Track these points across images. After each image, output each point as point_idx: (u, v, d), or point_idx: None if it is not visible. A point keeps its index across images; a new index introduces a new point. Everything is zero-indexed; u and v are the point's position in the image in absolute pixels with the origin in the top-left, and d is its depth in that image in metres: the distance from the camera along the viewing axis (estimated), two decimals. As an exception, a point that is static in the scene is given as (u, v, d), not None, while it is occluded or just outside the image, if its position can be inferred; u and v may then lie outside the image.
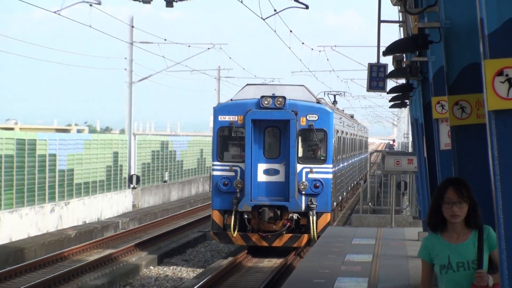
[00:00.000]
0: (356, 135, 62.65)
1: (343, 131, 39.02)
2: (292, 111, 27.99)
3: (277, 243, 28.26)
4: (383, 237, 38.25)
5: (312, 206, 27.58)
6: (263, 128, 28.39)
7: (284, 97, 28.24)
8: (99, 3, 42.10)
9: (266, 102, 27.85)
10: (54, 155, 47.23)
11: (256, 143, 28.15)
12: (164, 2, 37.69)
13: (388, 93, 37.69)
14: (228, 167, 28.52)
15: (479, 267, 9.38)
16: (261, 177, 28.57)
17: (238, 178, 28.08)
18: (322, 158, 28.94)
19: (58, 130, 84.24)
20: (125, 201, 60.02)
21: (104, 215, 54.73)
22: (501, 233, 9.37)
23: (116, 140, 62.35)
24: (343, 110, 59.62)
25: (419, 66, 25.17)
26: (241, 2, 39.69)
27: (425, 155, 30.53)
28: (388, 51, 23.65)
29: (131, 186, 60.14)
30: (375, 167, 63.90)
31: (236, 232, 28.00)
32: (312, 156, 28.73)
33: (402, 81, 31.60)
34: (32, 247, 39.10)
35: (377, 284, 27.47)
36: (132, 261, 38.01)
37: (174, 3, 38.69)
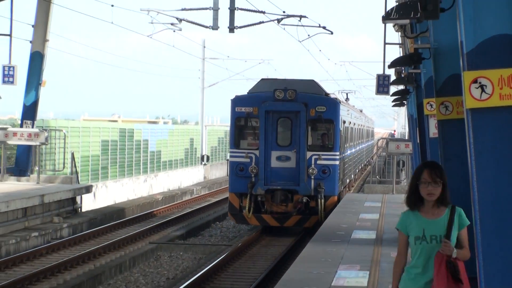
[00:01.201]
0: (364, 126, 59.23)
1: (350, 122, 37.13)
2: (302, 103, 26.19)
3: (288, 223, 26.40)
4: (386, 201, 38.51)
5: (320, 190, 25.77)
6: (276, 118, 26.33)
7: (295, 90, 26.26)
8: (180, 30, 41.32)
9: (279, 95, 25.93)
10: (147, 140, 51.57)
11: (269, 132, 26.29)
12: (228, 29, 36.84)
13: (391, 95, 39.29)
14: (244, 154, 26.27)
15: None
16: (274, 163, 26.36)
17: (253, 164, 25.88)
18: (330, 146, 27.00)
19: (149, 122, 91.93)
20: (198, 174, 64.37)
21: (183, 184, 58.23)
22: (476, 208, 9.79)
23: (192, 129, 68.10)
24: (353, 106, 55.88)
25: (414, 76, 27.24)
26: (284, 28, 39.43)
27: (418, 141, 31.06)
28: (392, 65, 25.72)
29: (203, 163, 65.56)
30: (381, 150, 69.12)
31: (251, 213, 26.11)
32: (321, 144, 26.63)
33: (402, 87, 33.93)
34: (130, 207, 41.38)
35: (382, 235, 27.44)
36: (204, 217, 39.27)
37: (235, 30, 37.52)
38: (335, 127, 25.75)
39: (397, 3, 22.08)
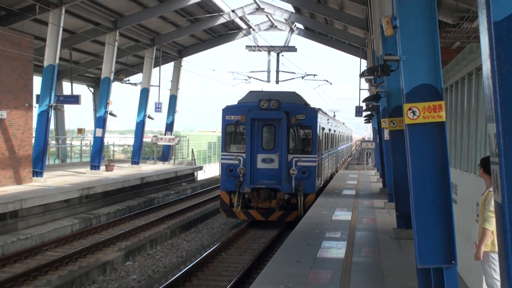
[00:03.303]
0: (344, 133, 57.00)
1: (330, 129, 33.41)
2: (284, 111, 22.62)
3: (272, 217, 22.78)
4: (361, 174, 43.09)
5: (300, 188, 22.43)
6: (261, 125, 22.79)
7: (278, 100, 22.77)
8: (250, 82, 44.10)
9: (263, 104, 22.33)
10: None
11: (255, 137, 22.59)
12: (275, 82, 40.63)
13: (363, 117, 41.21)
14: (233, 157, 22.73)
15: None
16: (260, 165, 22.89)
17: (241, 165, 22.62)
18: (308, 150, 23.14)
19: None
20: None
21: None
22: (411, 188, 9.36)
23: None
24: (334, 117, 53.08)
25: (376, 107, 26.53)
26: (305, 81, 42.51)
27: (378, 142, 35.02)
28: (364, 100, 27.02)
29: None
30: (357, 147, 78.34)
31: (239, 209, 22.71)
32: (301, 148, 22.95)
33: (369, 112, 32.62)
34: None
35: (359, 192, 28.97)
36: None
37: (279, 82, 41.08)
38: (313, 133, 22.91)
39: (366, 67, 27.09)
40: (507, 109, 3.97)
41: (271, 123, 22.64)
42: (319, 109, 24.76)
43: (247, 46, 38.30)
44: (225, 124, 22.94)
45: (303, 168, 22.62)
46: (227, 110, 23.20)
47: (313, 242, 15.07)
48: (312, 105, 26.81)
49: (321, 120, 25.57)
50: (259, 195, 22.46)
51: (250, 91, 24.05)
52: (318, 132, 23.23)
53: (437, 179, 9.16)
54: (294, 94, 24.88)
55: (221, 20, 37.50)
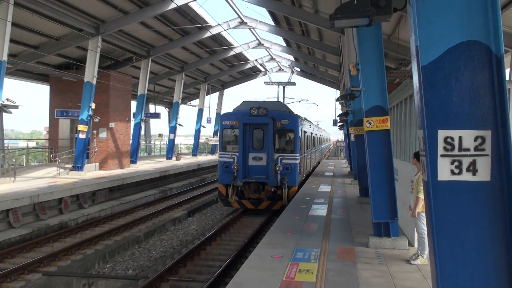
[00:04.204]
0: (323, 136, 52.04)
1: (312, 132, 28.54)
2: (271, 117, 18.97)
3: (261, 206, 18.88)
4: (336, 162, 44.23)
5: (284, 182, 18.67)
6: (252, 129, 19.25)
7: (266, 108, 19.21)
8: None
9: (253, 111, 18.68)
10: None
11: (247, 139, 18.97)
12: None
13: (338, 126, 40.57)
14: (229, 155, 18.89)
15: None
16: (251, 162, 19.23)
17: (235, 163, 18.83)
18: (291, 149, 19.22)
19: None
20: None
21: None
22: (369, 176, 12.58)
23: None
24: (317, 124, 48.47)
25: (346, 119, 24.11)
26: (301, 104, 39.37)
27: (347, 141, 33.62)
28: (339, 116, 26.29)
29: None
30: (334, 145, 75.34)
31: (233, 199, 18.89)
32: (285, 148, 19.00)
33: (341, 123, 31.46)
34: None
35: (335, 174, 29.39)
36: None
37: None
38: (295, 135, 19.32)
39: (340, 95, 25.79)
40: (430, 122, 4.10)
41: (260, 127, 19.31)
42: (300, 116, 21.91)
43: (264, 82, 41.17)
44: (222, 128, 19.78)
45: (287, 165, 18.81)
46: (224, 117, 20.01)
47: (306, 205, 16.63)
48: (303, 117, 24.81)
49: (303, 125, 22.38)
50: (250, 188, 19.13)
51: (244, 101, 20.80)
52: (299, 134, 20.16)
53: (385, 165, 9.83)
54: (280, 103, 21.70)
55: (249, 66, 37.72)
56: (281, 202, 19.58)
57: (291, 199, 19.30)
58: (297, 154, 19.98)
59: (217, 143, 41.30)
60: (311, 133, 28.75)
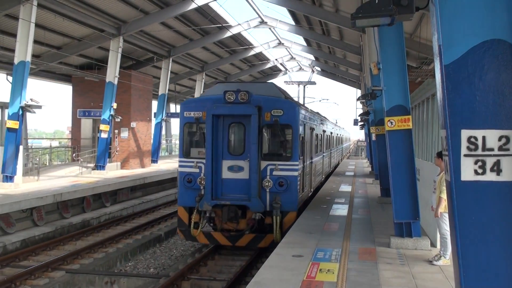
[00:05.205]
0: (342, 135, 43.81)
1: (325, 130, 21.88)
2: (256, 106, 12.25)
3: (240, 243, 12.46)
4: (357, 162, 43.81)
5: (276, 205, 12.15)
6: (227, 123, 12.66)
7: (247, 92, 12.41)
8: None
9: (229, 97, 12.18)
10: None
11: (220, 139, 12.59)
12: None
13: (359, 126, 40.19)
14: (192, 164, 12.50)
15: None
16: (226, 174, 12.59)
17: (202, 175, 12.52)
18: (287, 155, 12.58)
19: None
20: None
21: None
22: (390, 176, 10.94)
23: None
24: (336, 122, 43.46)
25: (367, 119, 24.30)
26: (322, 103, 40.48)
27: (368, 141, 34.21)
28: (360, 115, 26.71)
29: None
30: (355, 144, 72.30)
31: (199, 230, 12.50)
32: (277, 153, 12.54)
33: (362, 122, 32.18)
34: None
35: (356, 173, 29.43)
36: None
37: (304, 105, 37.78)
38: (293, 133, 13.18)
39: (361, 94, 24.67)
40: (453, 121, 4.11)
41: (240, 120, 13.21)
42: (301, 105, 16.82)
43: (285, 81, 41.10)
44: (184, 122, 13.61)
45: (281, 178, 12.73)
46: (186, 105, 13.83)
47: (327, 205, 16.52)
48: (312, 110, 19.43)
49: (306, 118, 15.76)
50: (224, 214, 12.88)
51: (218, 82, 15.22)
52: (301, 131, 13.99)
53: (406, 165, 9.72)
54: (270, 86, 14.42)
55: (269, 65, 37.91)
56: (271, 236, 13.01)
57: (286, 232, 12.31)
58: (296, 163, 13.40)
59: None
60: (323, 131, 22.04)
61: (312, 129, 17.23)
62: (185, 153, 13.78)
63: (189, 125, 13.78)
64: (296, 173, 13.50)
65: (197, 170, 13.39)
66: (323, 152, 22.19)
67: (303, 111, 15.07)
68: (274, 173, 13.15)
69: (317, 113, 21.55)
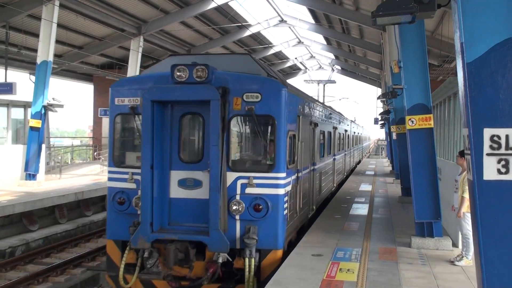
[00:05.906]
0: (362, 133, 40.55)
1: (336, 128, 17.00)
2: (219, 87, 7.66)
3: None
4: (377, 161, 43.50)
5: (249, 241, 7.70)
6: (177, 115, 8.23)
7: (207, 66, 7.75)
8: None
9: (180, 75, 7.47)
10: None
11: (167, 139, 8.14)
12: None
13: (379, 125, 39.49)
14: (127, 176, 8.25)
15: None
16: (175, 192, 8.18)
17: (138, 192, 8.30)
18: (268, 162, 8.04)
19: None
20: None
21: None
22: (411, 175, 9.34)
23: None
24: (354, 119, 38.85)
25: (388, 118, 24.32)
26: (341, 102, 38.88)
27: (388, 140, 34.40)
28: (380, 114, 27.22)
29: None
30: (375, 143, 71.71)
31: (135, 276, 7.91)
32: (254, 159, 8.30)
33: (382, 122, 33.26)
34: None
35: (376, 173, 29.44)
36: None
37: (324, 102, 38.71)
38: (278, 129, 8.13)
39: (381, 93, 25.08)
40: (475, 120, 4.06)
41: (195, 110, 8.93)
42: (294, 87, 10.47)
43: (304, 80, 40.99)
44: (114, 114, 9.24)
45: (258, 199, 8.32)
46: (117, 89, 9.18)
47: (347, 204, 16.52)
48: (320, 101, 15.63)
49: (304, 108, 10.80)
50: (169, 254, 8.30)
51: (170, 55, 10.96)
52: (291, 127, 9.11)
53: (427, 164, 9.64)
54: (246, 58, 9.72)
55: (289, 64, 37.90)
56: (242, 287, 8.78)
57: (267, 279, 8.09)
58: (282, 174, 8.78)
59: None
60: (334, 128, 17.07)
61: (315, 125, 12.45)
62: (116, 160, 9.44)
63: (123, 118, 9.49)
64: (282, 191, 8.83)
65: (133, 186, 9.07)
66: (334, 155, 17.46)
67: (296, 98, 10.07)
68: (248, 190, 8.65)
69: (329, 107, 18.00)
